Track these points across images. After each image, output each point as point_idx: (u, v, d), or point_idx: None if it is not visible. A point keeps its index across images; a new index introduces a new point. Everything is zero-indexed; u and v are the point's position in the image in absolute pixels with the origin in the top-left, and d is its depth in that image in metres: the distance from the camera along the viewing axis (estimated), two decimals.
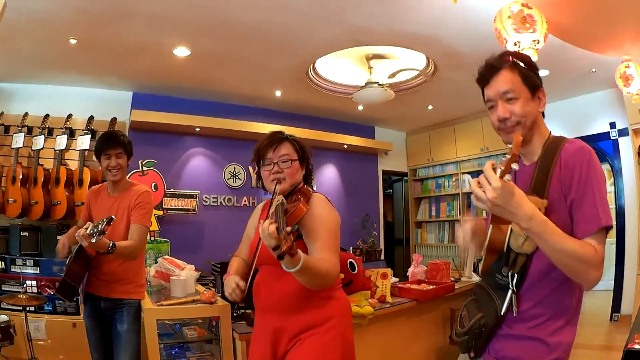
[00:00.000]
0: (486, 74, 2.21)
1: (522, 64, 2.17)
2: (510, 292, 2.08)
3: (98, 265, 3.91)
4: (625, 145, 8.28)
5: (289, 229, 2.12)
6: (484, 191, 1.77)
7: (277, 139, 2.88)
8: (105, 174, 4.05)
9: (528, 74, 2.16)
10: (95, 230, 3.29)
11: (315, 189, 3.02)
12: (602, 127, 8.59)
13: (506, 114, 2.12)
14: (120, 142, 4.01)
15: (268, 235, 2.09)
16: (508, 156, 1.71)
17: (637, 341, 2.74)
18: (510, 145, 1.73)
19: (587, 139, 8.46)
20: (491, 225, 2.13)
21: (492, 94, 2.17)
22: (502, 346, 2.14)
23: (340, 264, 2.72)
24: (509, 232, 2.12)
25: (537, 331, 2.06)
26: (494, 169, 1.77)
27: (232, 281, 2.72)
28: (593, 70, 7.34)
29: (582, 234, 1.93)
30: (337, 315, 2.73)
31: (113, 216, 3.39)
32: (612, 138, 8.46)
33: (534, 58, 4.70)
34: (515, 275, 2.09)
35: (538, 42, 4.78)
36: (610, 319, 8.13)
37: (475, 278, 6.32)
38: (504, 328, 2.14)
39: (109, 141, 4.01)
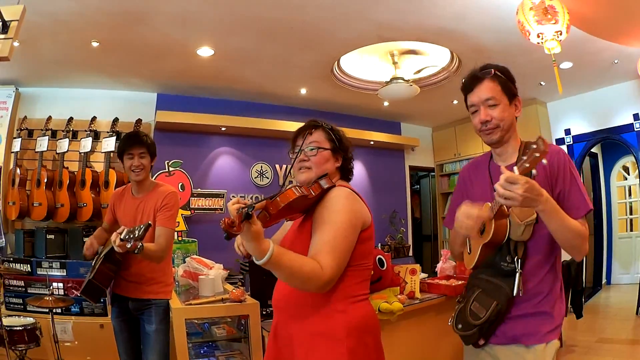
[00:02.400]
0: (470, 83, 2.55)
1: (502, 76, 2.53)
2: (518, 274, 2.36)
3: (126, 266, 3.88)
4: None
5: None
6: (510, 191, 2.03)
7: (308, 125, 2.62)
8: (128, 175, 4.02)
9: (507, 84, 2.52)
10: (130, 235, 3.24)
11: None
12: (625, 118, 8.47)
13: (487, 117, 2.48)
14: (143, 142, 3.98)
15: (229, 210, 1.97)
16: (537, 155, 1.98)
17: None
18: (534, 145, 1.99)
19: (611, 131, 8.54)
20: (493, 221, 2.36)
21: (475, 100, 2.53)
22: (512, 326, 2.42)
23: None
24: (508, 224, 2.39)
25: (541, 306, 2.41)
26: (511, 168, 2.08)
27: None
28: (615, 62, 7.23)
29: (574, 217, 2.30)
30: (341, 335, 2.27)
31: (150, 222, 3.36)
32: (636, 130, 8.34)
33: (557, 50, 4.79)
34: (519, 260, 2.39)
35: (561, 34, 4.79)
36: (637, 313, 8.05)
37: None
38: (511, 311, 2.42)
39: (132, 140, 3.99)
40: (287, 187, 2.19)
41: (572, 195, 2.38)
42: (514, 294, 2.34)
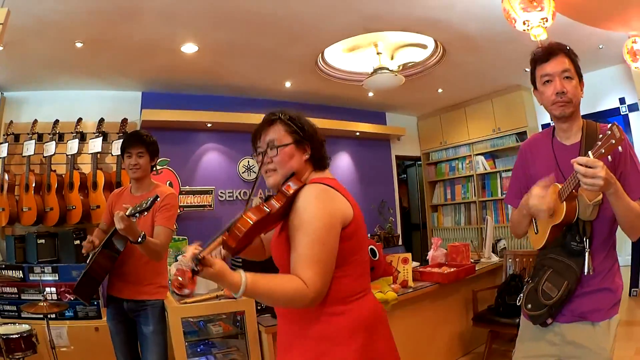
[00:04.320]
0: (545, 54, 2.59)
1: (574, 55, 2.58)
2: (587, 254, 2.45)
3: (121, 265, 3.86)
4: (636, 120, 8.39)
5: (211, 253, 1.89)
6: (594, 176, 2.08)
7: (264, 122, 2.36)
8: (128, 173, 4.06)
9: (578, 64, 2.57)
10: (137, 209, 3.29)
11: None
12: (612, 103, 8.63)
13: (564, 88, 2.50)
14: (142, 141, 4.00)
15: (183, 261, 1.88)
16: (612, 141, 2.01)
17: None
18: (609, 132, 2.02)
19: (598, 115, 8.56)
20: (564, 203, 2.41)
21: (551, 70, 2.54)
22: (578, 304, 2.51)
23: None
24: (577, 205, 2.45)
25: (604, 282, 2.51)
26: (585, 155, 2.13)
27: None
28: (600, 47, 7.30)
29: (633, 198, 2.33)
30: (344, 339, 2.13)
31: (158, 195, 3.44)
32: (622, 113, 8.50)
33: (543, 36, 4.82)
34: (588, 239, 2.46)
35: (547, 21, 4.82)
36: (630, 294, 8.03)
37: (495, 258, 6.48)
38: (578, 289, 2.50)
39: (131, 140, 4.03)
40: (241, 214, 2.01)
41: (632, 177, 2.44)
42: (585, 273, 2.44)
